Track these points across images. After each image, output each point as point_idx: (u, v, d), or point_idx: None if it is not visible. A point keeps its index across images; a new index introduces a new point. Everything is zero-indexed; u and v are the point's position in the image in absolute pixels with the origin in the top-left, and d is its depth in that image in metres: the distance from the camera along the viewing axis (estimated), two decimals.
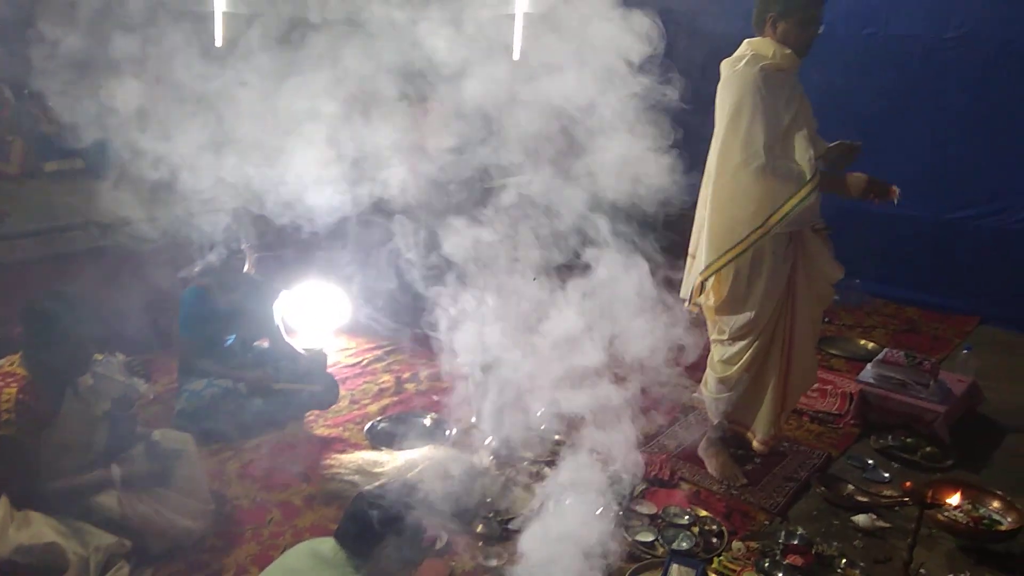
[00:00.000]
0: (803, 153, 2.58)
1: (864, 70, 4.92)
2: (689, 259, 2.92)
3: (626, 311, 2.62)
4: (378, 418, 3.44)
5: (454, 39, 2.82)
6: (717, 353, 2.93)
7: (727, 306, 2.79)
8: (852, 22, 4.91)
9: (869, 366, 3.64)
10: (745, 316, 2.77)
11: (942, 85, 4.74)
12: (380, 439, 3.27)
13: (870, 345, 4.36)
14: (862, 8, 4.91)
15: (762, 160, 2.55)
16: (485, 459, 3.03)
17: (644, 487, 2.96)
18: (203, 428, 3.12)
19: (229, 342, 3.47)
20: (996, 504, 2.81)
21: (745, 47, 2.70)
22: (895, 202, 2.66)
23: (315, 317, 4.36)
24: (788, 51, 2.64)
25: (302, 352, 3.58)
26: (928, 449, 3.28)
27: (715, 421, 3.05)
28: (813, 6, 2.65)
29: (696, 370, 3.07)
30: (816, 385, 3.60)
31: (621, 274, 2.62)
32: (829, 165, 2.78)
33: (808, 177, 2.55)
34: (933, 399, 3.39)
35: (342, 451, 3.12)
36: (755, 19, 2.71)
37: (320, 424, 3.42)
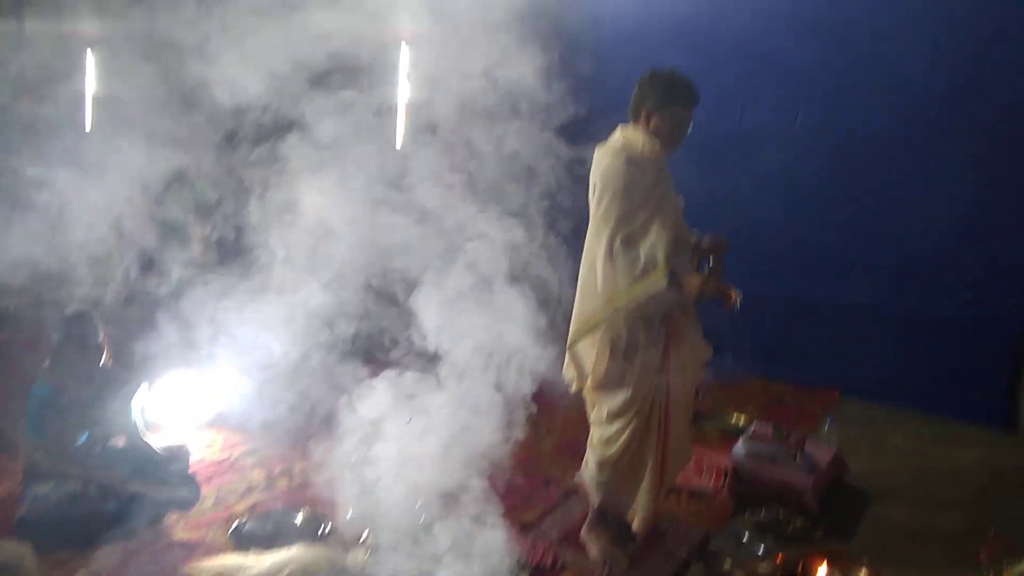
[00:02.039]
0: (657, 242, 2.68)
1: (724, 159, 5.23)
2: (568, 349, 2.95)
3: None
4: (244, 518, 3.24)
5: None
6: (597, 434, 2.94)
7: (604, 386, 2.83)
8: (712, 115, 5.24)
9: (740, 440, 3.75)
10: (622, 395, 2.80)
11: (796, 172, 5.08)
12: (246, 541, 3.04)
13: (742, 419, 4.50)
14: (722, 102, 5.25)
15: (615, 244, 2.66)
16: (360, 557, 2.89)
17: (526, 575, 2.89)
18: (48, 536, 2.83)
19: (81, 440, 3.22)
20: (864, 572, 2.91)
21: (618, 134, 2.82)
22: (736, 306, 2.73)
23: (180, 410, 4.13)
24: (657, 144, 2.77)
25: (161, 450, 3.36)
26: (799, 522, 3.37)
27: (596, 503, 3.04)
28: (685, 107, 2.81)
29: (577, 452, 3.08)
30: (691, 461, 3.66)
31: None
32: (700, 256, 2.90)
33: (658, 266, 2.65)
34: (800, 472, 3.51)
35: (204, 556, 2.91)
36: (631, 106, 2.84)
37: (180, 527, 3.17)
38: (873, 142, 4.88)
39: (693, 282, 2.71)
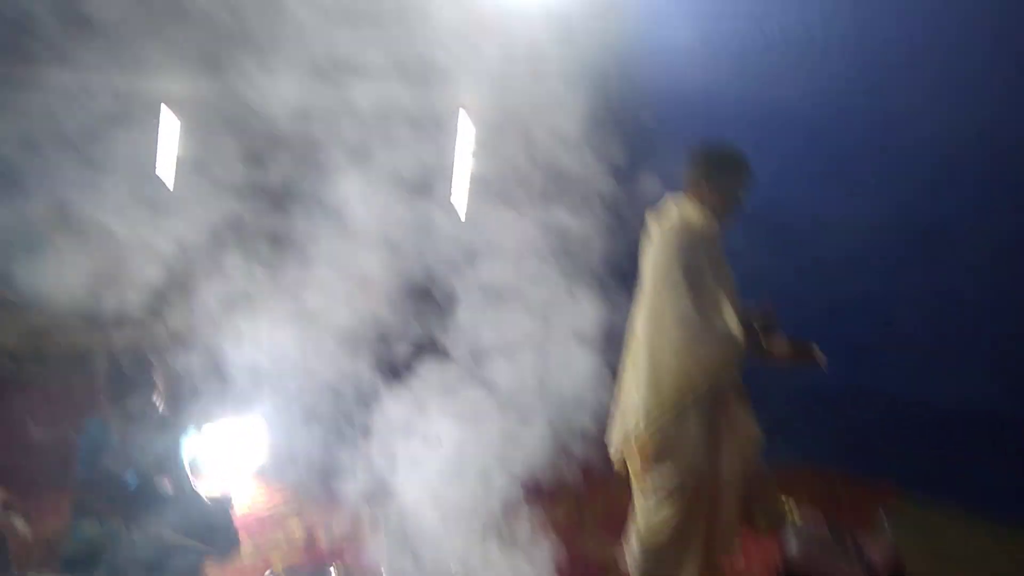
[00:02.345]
0: (729, 310, 2.64)
1: (788, 239, 5.17)
2: (618, 413, 2.91)
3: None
4: (279, 573, 3.22)
5: None
6: (643, 518, 2.85)
7: (654, 467, 2.76)
8: (773, 196, 5.22)
9: (791, 532, 3.60)
10: (672, 478, 2.73)
11: (858, 260, 5.00)
12: None
13: (794, 511, 4.33)
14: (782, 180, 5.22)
15: (689, 315, 2.63)
16: None
17: None
18: None
19: (130, 481, 3.26)
20: None
21: (674, 208, 2.82)
22: (822, 366, 2.70)
23: (229, 458, 4.16)
24: (713, 218, 2.76)
25: (207, 499, 3.38)
26: None
27: None
28: (738, 177, 2.81)
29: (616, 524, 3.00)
30: (739, 550, 3.53)
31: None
32: (754, 328, 2.86)
33: (738, 339, 2.61)
34: (857, 570, 3.35)
35: None
36: (685, 179, 2.85)
37: None
38: (943, 234, 4.78)
39: (780, 344, 2.67)
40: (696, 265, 2.65)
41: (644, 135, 4.49)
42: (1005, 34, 4.57)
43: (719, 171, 2.79)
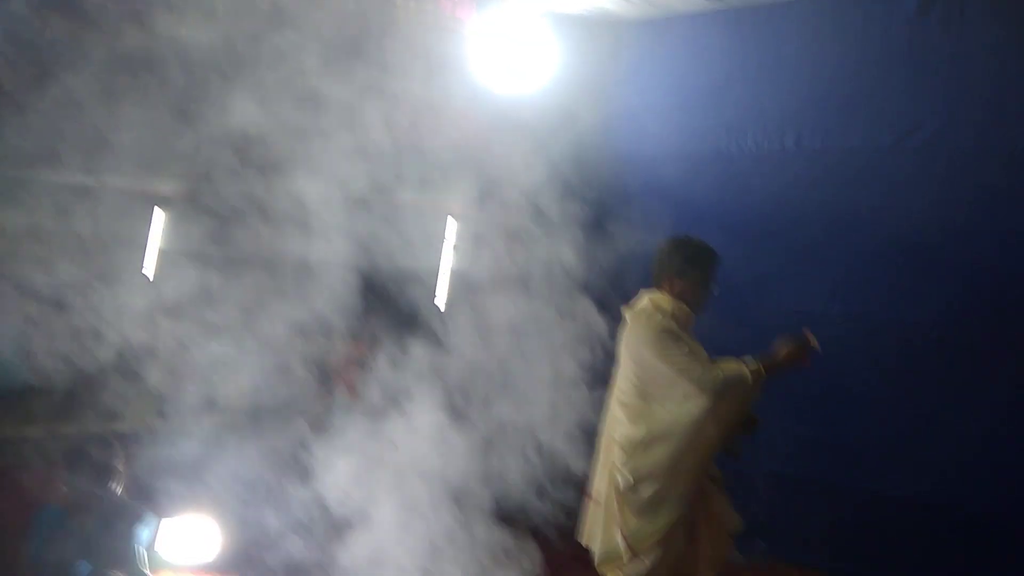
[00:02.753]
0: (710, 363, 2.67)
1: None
2: (592, 504, 2.84)
3: None
4: None
5: None
6: None
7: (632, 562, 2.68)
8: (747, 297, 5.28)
9: None
10: (646, 568, 2.64)
11: (836, 361, 5.00)
12: None
13: None
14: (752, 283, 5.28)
15: (695, 365, 2.64)
16: None
17: None
18: None
19: (82, 571, 3.11)
20: None
21: (646, 299, 2.86)
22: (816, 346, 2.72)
23: (188, 553, 3.99)
24: (685, 307, 2.80)
25: None
26: None
27: None
28: (706, 269, 2.86)
29: None
30: None
31: None
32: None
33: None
34: None
35: None
36: (654, 274, 2.90)
37: None
38: (918, 330, 4.83)
39: (778, 355, 2.68)
40: (674, 331, 2.67)
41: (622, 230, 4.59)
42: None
43: (688, 263, 2.85)
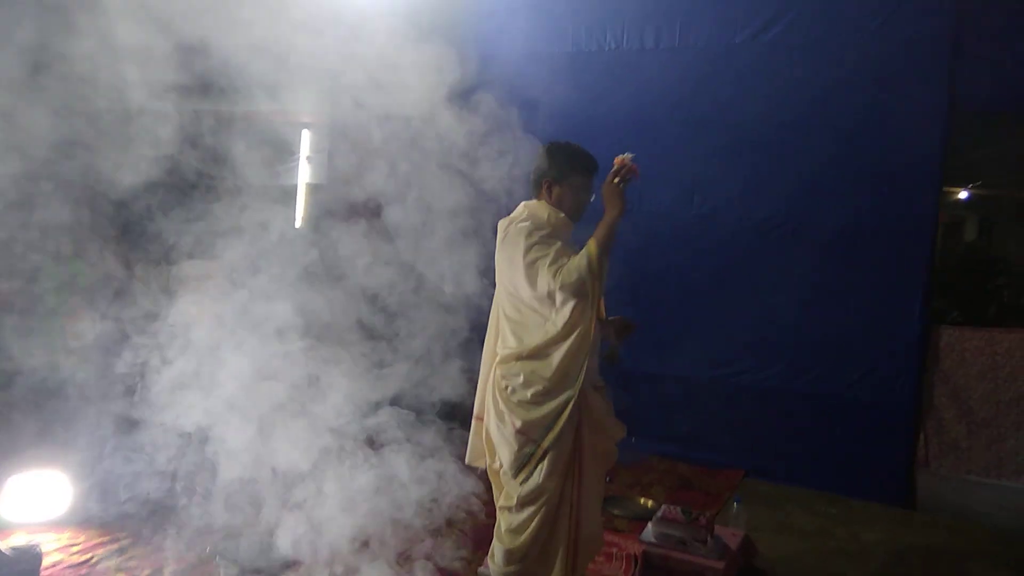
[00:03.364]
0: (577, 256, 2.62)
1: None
2: (475, 421, 2.77)
3: None
4: None
5: None
6: (505, 522, 2.74)
7: (515, 474, 2.64)
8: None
9: (650, 525, 3.60)
10: (534, 480, 2.62)
11: (695, 256, 5.18)
12: None
13: (650, 503, 4.37)
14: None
15: (540, 272, 2.58)
16: None
17: None
18: None
19: None
20: None
21: (522, 208, 2.75)
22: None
23: (33, 509, 3.68)
24: (562, 215, 2.70)
25: (8, 551, 2.94)
26: None
27: None
28: (585, 174, 2.76)
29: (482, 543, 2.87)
30: (602, 548, 3.49)
31: None
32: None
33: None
34: (712, 556, 3.38)
35: None
36: (532, 180, 2.78)
37: None
38: (769, 228, 5.00)
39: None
40: (543, 239, 2.59)
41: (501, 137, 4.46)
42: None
43: (565, 168, 2.74)
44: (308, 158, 7.13)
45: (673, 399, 5.22)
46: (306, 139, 7.08)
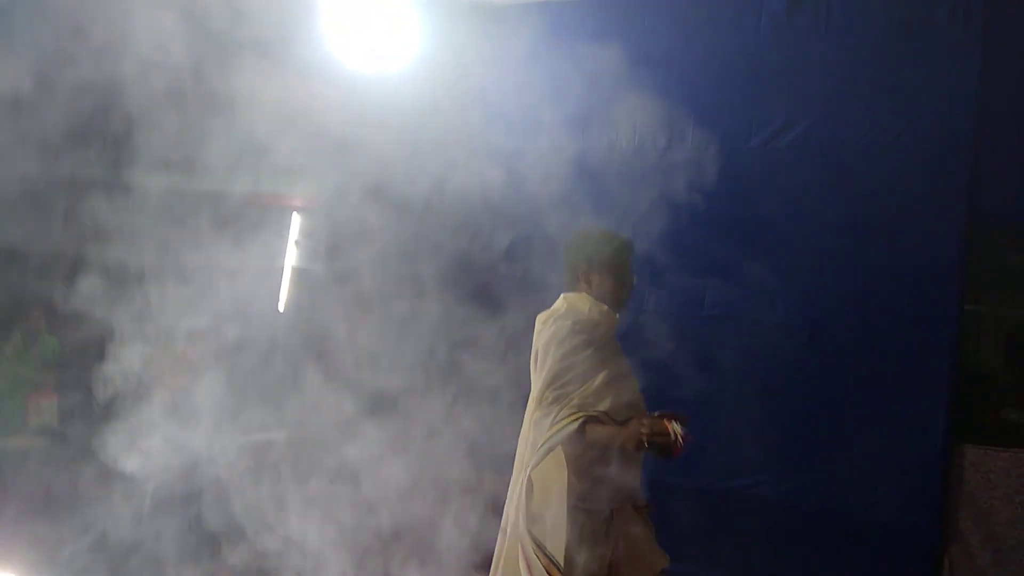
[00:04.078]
0: (600, 394, 2.31)
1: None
2: (500, 535, 2.47)
3: None
4: None
5: None
6: None
7: None
8: None
9: None
10: None
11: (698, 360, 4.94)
12: None
13: None
14: None
15: (545, 398, 2.28)
16: None
17: None
18: None
19: None
20: None
21: (561, 302, 2.52)
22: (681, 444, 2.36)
23: None
24: (604, 307, 2.48)
25: None
26: None
27: None
28: (621, 256, 2.55)
29: None
30: None
31: None
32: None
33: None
34: None
35: None
36: (566, 275, 2.57)
37: None
38: (783, 334, 4.81)
39: (624, 430, 2.31)
40: (577, 351, 2.32)
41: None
42: None
43: (599, 255, 2.53)
44: (296, 242, 6.94)
45: (679, 512, 4.88)
46: (296, 222, 6.90)
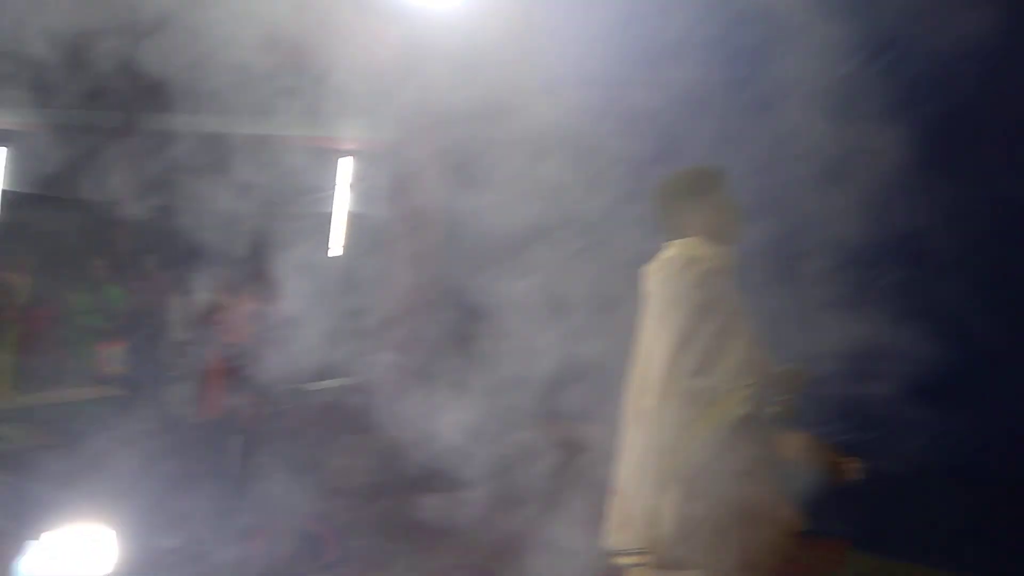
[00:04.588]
0: (735, 367, 2.16)
1: None
2: (611, 496, 2.38)
3: None
4: None
5: None
6: None
7: (662, 561, 2.21)
8: None
9: None
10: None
11: None
12: None
13: None
14: None
15: (675, 373, 2.13)
16: None
17: None
18: None
19: None
20: None
21: (671, 251, 2.33)
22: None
23: (69, 570, 3.31)
24: (721, 248, 2.30)
25: None
26: None
27: None
28: (719, 187, 2.38)
29: None
30: None
31: None
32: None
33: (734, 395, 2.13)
34: None
35: None
36: (667, 222, 2.39)
37: None
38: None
39: (792, 441, 2.19)
40: (696, 304, 2.16)
41: None
42: None
43: (700, 190, 2.35)
44: (350, 185, 6.84)
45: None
46: (346, 167, 6.81)
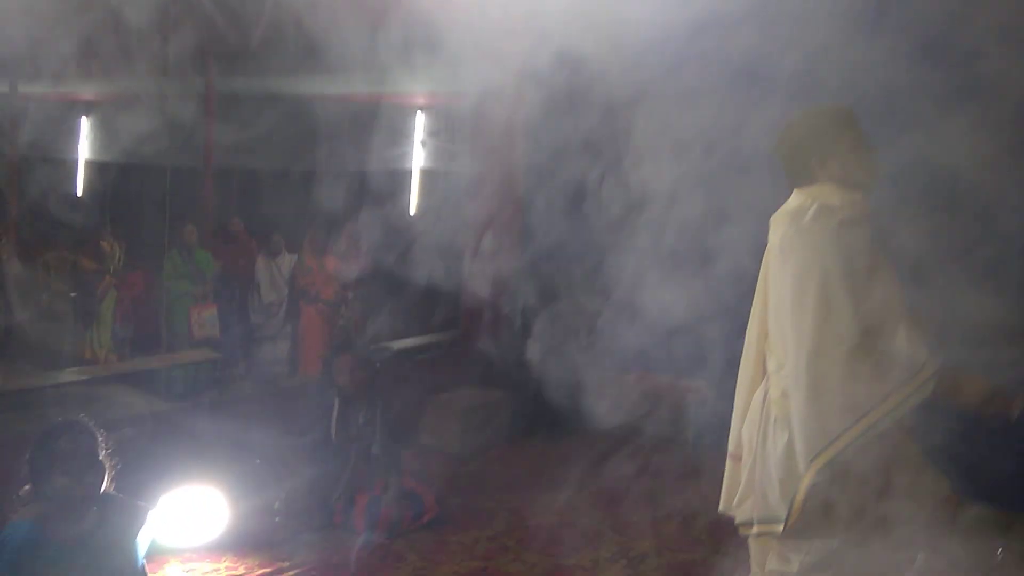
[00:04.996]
0: (910, 332, 1.99)
1: None
2: (729, 461, 2.27)
3: None
4: None
5: None
6: None
7: (799, 527, 2.10)
8: None
9: None
10: (825, 543, 2.09)
11: None
12: None
13: None
14: None
15: (855, 341, 1.97)
16: None
17: None
18: None
19: None
20: None
21: (803, 198, 2.16)
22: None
23: (184, 531, 3.39)
24: (857, 194, 2.12)
25: None
26: None
27: None
28: (852, 125, 2.18)
29: None
30: None
31: None
32: None
33: (923, 364, 1.96)
34: None
35: None
36: (795, 167, 2.20)
37: None
38: None
39: (976, 386, 2.04)
40: (851, 262, 1.99)
41: None
42: None
43: (836, 129, 2.15)
44: (422, 142, 6.73)
45: None
46: (420, 122, 6.70)
